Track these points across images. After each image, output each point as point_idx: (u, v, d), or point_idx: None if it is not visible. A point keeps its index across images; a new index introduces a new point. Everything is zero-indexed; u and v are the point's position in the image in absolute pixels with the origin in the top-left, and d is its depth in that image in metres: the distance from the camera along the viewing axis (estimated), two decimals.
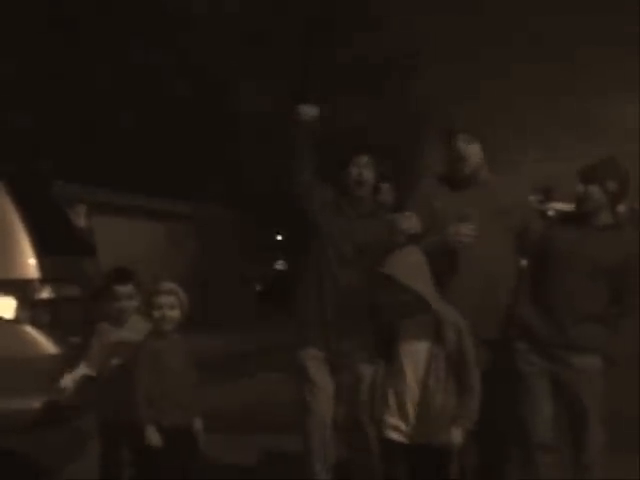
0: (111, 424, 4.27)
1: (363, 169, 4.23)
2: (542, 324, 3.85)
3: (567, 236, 3.85)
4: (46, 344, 4.91)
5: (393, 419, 3.55)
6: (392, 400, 3.55)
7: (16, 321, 4.88)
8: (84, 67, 17.13)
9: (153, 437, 3.89)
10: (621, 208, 3.96)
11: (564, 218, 4.02)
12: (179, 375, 4.01)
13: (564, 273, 3.80)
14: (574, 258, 3.78)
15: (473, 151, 4.07)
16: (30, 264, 4.98)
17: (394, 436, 3.56)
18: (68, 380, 4.18)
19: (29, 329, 4.91)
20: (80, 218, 11.93)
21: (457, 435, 3.43)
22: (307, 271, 4.30)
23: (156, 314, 4.00)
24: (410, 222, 3.95)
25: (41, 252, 5.05)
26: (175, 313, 4.02)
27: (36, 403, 4.78)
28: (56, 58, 16.80)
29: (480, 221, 3.86)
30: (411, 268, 3.55)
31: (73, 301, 5.34)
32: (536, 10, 19.39)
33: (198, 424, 4.08)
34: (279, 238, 22.92)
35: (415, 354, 3.53)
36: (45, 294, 5.02)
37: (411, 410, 3.52)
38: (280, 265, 23.01)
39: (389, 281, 3.52)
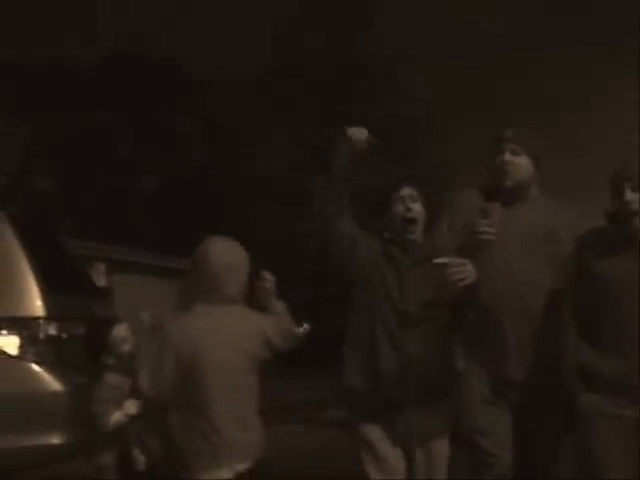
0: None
1: (410, 203, 3.40)
2: (612, 366, 3.23)
3: (612, 259, 3.26)
4: (49, 381, 4.89)
5: None
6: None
7: (20, 358, 4.88)
8: (109, 130, 17.53)
9: (138, 459, 3.80)
10: None
11: (599, 236, 3.35)
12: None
13: (619, 300, 3.22)
14: (624, 281, 3.22)
15: (519, 162, 3.54)
16: (35, 302, 5.00)
17: None
18: (118, 415, 3.80)
19: (33, 366, 4.90)
20: (99, 276, 12.00)
21: None
22: (356, 334, 3.45)
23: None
24: (463, 272, 3.17)
25: (47, 290, 5.07)
26: None
27: (38, 441, 4.73)
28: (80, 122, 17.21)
29: (521, 245, 3.42)
30: None
31: (79, 340, 5.32)
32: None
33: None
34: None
35: None
36: (50, 332, 5.01)
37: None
38: (304, 329, 22.44)
39: None
